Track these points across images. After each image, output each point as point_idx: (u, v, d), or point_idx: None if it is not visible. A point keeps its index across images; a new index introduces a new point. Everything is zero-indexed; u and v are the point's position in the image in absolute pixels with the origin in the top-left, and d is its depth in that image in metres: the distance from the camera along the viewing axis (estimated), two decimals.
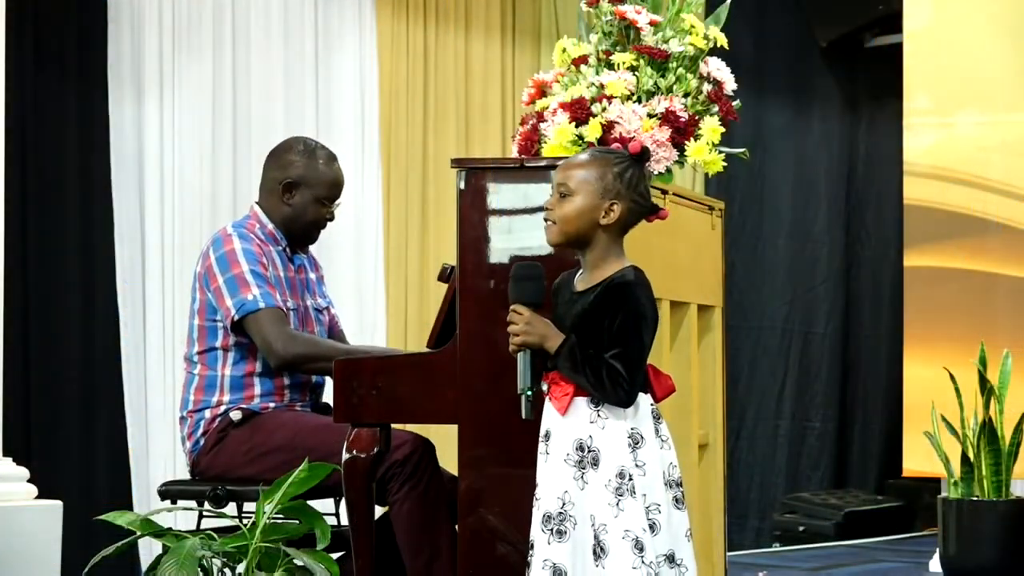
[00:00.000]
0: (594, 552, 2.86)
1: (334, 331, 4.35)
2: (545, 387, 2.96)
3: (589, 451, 2.89)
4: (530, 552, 2.93)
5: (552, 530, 2.88)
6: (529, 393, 2.94)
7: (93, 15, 5.83)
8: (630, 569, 2.83)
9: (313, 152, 4.20)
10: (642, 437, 2.91)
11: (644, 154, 3.00)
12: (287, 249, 4.18)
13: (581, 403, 2.92)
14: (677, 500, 2.95)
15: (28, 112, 5.61)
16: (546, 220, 3.00)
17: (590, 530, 2.87)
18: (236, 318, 3.99)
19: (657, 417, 2.97)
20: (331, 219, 4.22)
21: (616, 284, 2.92)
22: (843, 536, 6.94)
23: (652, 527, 2.88)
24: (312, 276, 4.29)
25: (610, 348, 2.89)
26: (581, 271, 3.01)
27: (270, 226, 4.16)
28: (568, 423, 2.92)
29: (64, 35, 5.76)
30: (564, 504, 2.89)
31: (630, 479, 2.87)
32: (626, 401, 2.90)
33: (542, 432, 2.97)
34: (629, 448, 2.89)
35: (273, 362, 4.00)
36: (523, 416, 2.95)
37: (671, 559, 2.90)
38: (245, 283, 4.00)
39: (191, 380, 4.12)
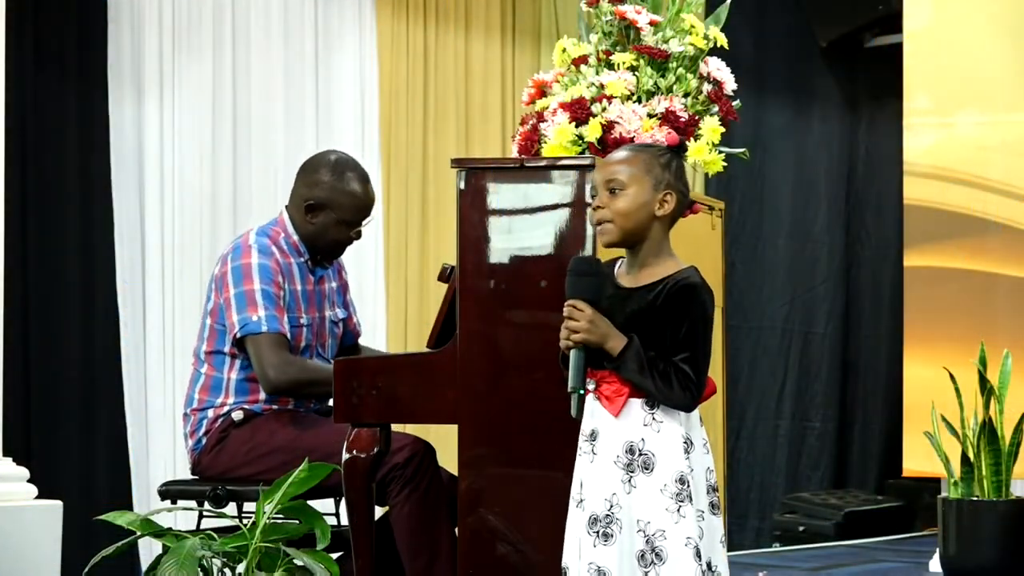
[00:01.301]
0: (642, 558, 2.80)
1: (353, 339, 4.33)
2: (591, 385, 2.89)
3: (641, 454, 2.83)
4: (573, 554, 2.86)
5: (599, 533, 2.82)
6: (581, 392, 2.86)
7: (93, 15, 5.83)
8: None
9: (342, 174, 4.11)
10: (692, 443, 2.87)
11: (682, 146, 2.98)
12: (309, 262, 4.16)
13: (636, 405, 2.86)
14: (713, 505, 2.90)
15: (28, 112, 5.61)
16: (598, 222, 2.91)
17: (637, 536, 2.81)
18: (238, 335, 4.00)
19: (700, 421, 2.92)
20: (357, 238, 4.17)
21: (684, 286, 2.86)
22: (843, 536, 6.94)
23: (700, 533, 2.83)
24: (334, 285, 4.26)
25: (678, 352, 2.83)
26: (622, 265, 2.95)
27: (295, 237, 4.12)
28: (620, 424, 2.86)
29: (64, 35, 5.76)
30: (611, 507, 2.83)
31: (688, 485, 2.82)
32: (692, 405, 2.85)
33: (586, 431, 2.90)
34: (684, 453, 2.84)
35: (265, 388, 3.99)
36: (572, 414, 2.87)
37: (708, 566, 2.86)
38: (254, 302, 3.98)
39: (197, 378, 4.12)
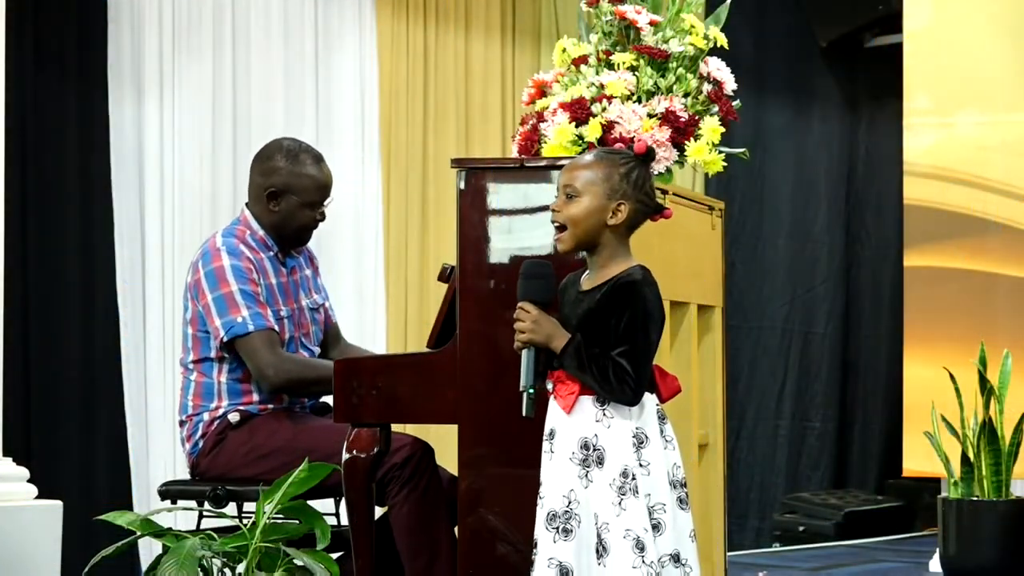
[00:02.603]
0: (597, 551, 2.86)
1: (328, 324, 4.32)
2: (549, 386, 2.96)
3: (594, 450, 2.89)
4: (534, 551, 2.93)
5: (558, 528, 2.88)
6: (531, 391, 2.93)
7: (93, 15, 5.83)
8: (630, 568, 2.83)
9: (296, 157, 4.11)
10: (647, 437, 2.91)
11: (650, 154, 3.00)
12: (279, 254, 4.16)
13: (586, 402, 2.92)
14: (681, 500, 2.95)
15: (28, 112, 5.61)
16: (554, 222, 2.98)
17: (594, 529, 2.88)
18: (225, 340, 3.99)
19: (662, 418, 2.97)
20: (322, 219, 4.18)
21: (623, 283, 2.92)
22: (843, 536, 6.94)
23: (657, 527, 2.89)
24: (307, 273, 4.26)
25: (617, 346, 2.88)
26: (587, 271, 3.01)
27: (260, 232, 4.12)
28: (573, 422, 2.92)
29: (64, 35, 5.76)
30: (570, 503, 2.89)
31: (633, 478, 2.87)
32: (632, 399, 2.90)
33: (546, 430, 2.97)
34: (633, 448, 2.89)
35: (265, 388, 3.99)
36: (523, 414, 2.94)
37: (676, 559, 2.91)
38: (234, 303, 3.97)
39: (188, 385, 4.12)
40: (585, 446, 2.90)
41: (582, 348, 2.90)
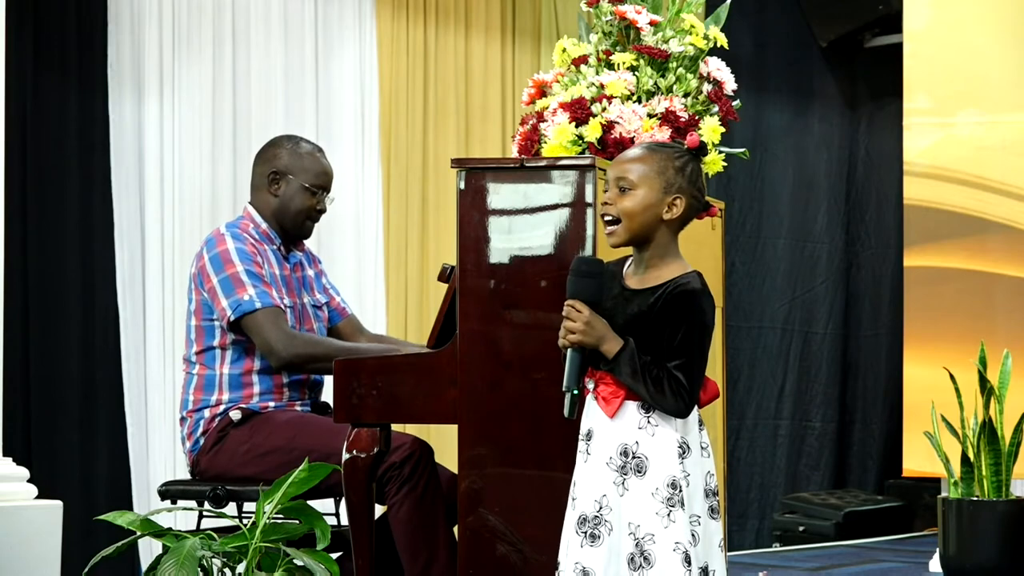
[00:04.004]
0: (631, 561, 2.80)
1: (342, 318, 4.34)
2: (591, 385, 2.89)
3: (634, 457, 2.83)
4: (564, 553, 2.87)
5: (586, 533, 2.83)
6: (576, 392, 2.86)
7: (93, 15, 5.83)
8: None
9: (298, 143, 4.23)
10: (688, 447, 2.85)
11: (702, 148, 2.94)
12: (281, 248, 4.18)
13: (631, 407, 2.85)
14: (712, 510, 2.88)
15: (28, 112, 5.61)
16: (605, 217, 2.89)
17: (627, 538, 2.81)
18: (232, 318, 3.99)
19: (701, 424, 2.90)
20: (322, 211, 4.21)
21: (682, 291, 2.84)
22: (843, 536, 6.93)
23: (693, 538, 2.82)
24: (310, 272, 4.28)
25: (673, 358, 2.81)
26: (631, 265, 2.93)
27: (264, 225, 4.16)
28: (615, 426, 2.85)
29: (64, 35, 5.76)
30: (601, 508, 2.83)
31: (680, 490, 2.80)
32: (685, 412, 2.83)
33: (583, 431, 2.90)
34: (678, 457, 2.83)
35: (274, 363, 4.00)
36: (565, 414, 2.86)
37: (704, 571, 2.84)
38: (240, 283, 4.00)
39: (190, 380, 4.12)
40: (624, 453, 2.83)
41: (636, 356, 2.81)
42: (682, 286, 2.85)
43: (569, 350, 2.87)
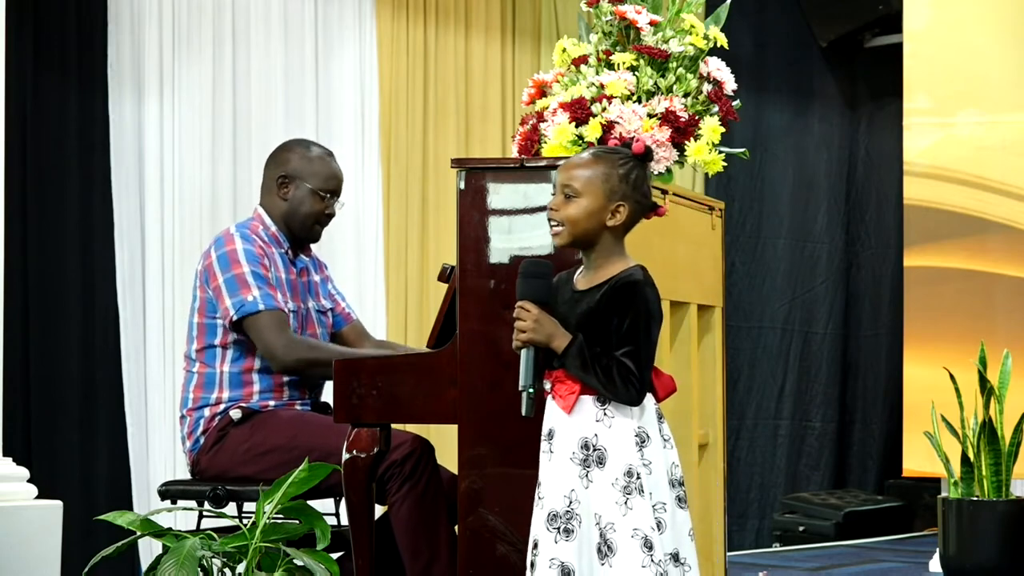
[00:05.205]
0: (599, 551, 2.86)
1: (347, 323, 4.34)
2: (548, 385, 2.96)
3: (595, 449, 2.90)
4: (533, 551, 2.92)
5: (559, 528, 2.88)
6: (531, 391, 2.93)
7: (93, 15, 5.83)
8: (639, 568, 2.83)
9: (308, 147, 4.25)
10: (648, 436, 2.92)
11: (648, 154, 3.00)
12: (289, 251, 4.19)
13: (587, 402, 2.92)
14: (680, 499, 2.95)
15: (28, 112, 5.61)
16: (550, 220, 2.98)
17: (595, 529, 2.87)
18: (235, 318, 4.00)
19: (660, 417, 2.97)
20: (331, 215, 4.22)
21: (624, 283, 2.92)
22: (843, 536, 6.94)
23: (659, 526, 2.89)
24: (316, 278, 4.29)
25: (620, 347, 2.88)
26: (581, 270, 3.01)
27: (273, 228, 4.17)
28: (573, 422, 2.92)
29: (64, 35, 5.76)
30: (571, 503, 2.89)
31: (638, 477, 2.87)
32: (637, 399, 2.90)
33: (544, 430, 2.97)
34: (636, 447, 2.89)
35: (274, 366, 4.01)
36: (523, 413, 2.94)
37: (675, 558, 2.91)
38: (245, 283, 4.00)
39: (190, 378, 4.12)
40: (585, 446, 2.90)
41: (585, 348, 2.90)
42: (624, 278, 2.93)
43: (523, 350, 2.95)
